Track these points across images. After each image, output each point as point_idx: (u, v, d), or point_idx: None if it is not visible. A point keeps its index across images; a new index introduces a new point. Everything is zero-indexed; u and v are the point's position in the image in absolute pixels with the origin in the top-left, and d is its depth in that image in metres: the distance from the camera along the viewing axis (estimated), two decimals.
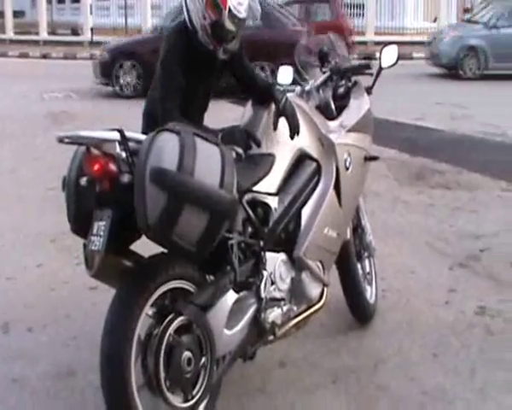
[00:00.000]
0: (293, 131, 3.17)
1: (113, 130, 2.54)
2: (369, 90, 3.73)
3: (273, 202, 3.06)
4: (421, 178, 7.18)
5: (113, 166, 2.49)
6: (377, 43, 15.47)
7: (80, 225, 2.70)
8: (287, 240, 3.16)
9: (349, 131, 3.46)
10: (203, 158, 2.47)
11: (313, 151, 3.26)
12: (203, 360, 2.67)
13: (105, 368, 2.45)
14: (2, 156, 8.26)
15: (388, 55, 3.63)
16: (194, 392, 2.65)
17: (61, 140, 2.48)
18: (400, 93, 12.89)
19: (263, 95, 3.34)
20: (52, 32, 28.41)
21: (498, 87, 14.54)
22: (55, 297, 4.30)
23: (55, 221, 4.99)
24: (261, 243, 2.99)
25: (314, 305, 3.31)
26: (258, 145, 3.10)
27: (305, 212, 3.20)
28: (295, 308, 3.20)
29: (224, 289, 2.75)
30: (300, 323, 3.26)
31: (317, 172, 3.28)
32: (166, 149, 2.43)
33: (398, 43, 4.10)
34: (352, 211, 3.66)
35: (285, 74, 3.81)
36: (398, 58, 3.66)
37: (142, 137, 2.58)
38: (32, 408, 3.17)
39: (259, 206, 3.02)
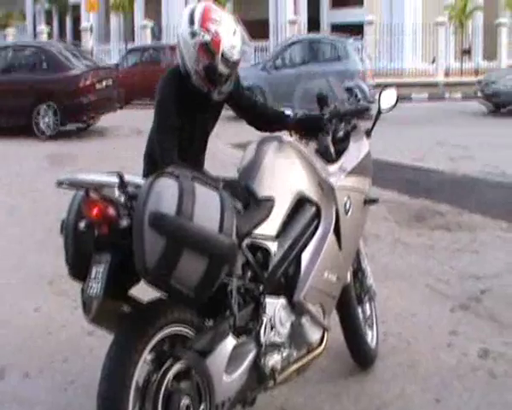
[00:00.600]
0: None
1: (113, 173, 2.54)
2: (368, 133, 3.74)
3: (273, 246, 3.04)
4: (421, 219, 7.18)
5: (111, 211, 2.49)
6: (376, 86, 15.61)
7: (78, 269, 2.69)
8: (287, 284, 3.13)
9: (349, 174, 3.46)
10: (202, 202, 2.46)
11: (313, 195, 3.25)
12: (202, 406, 2.63)
13: None
14: None
15: (387, 98, 3.64)
16: None
17: (60, 183, 2.48)
18: (399, 134, 12.95)
19: (275, 120, 3.37)
20: None
21: None
22: (53, 341, 4.26)
23: (53, 264, 4.97)
24: (261, 288, 2.96)
25: (314, 350, 3.27)
26: (258, 204, 3.07)
27: (305, 256, 3.17)
28: (295, 353, 3.16)
29: (223, 335, 2.72)
30: (301, 368, 3.21)
31: (317, 215, 3.27)
32: (165, 193, 2.42)
33: (397, 85, 4.11)
34: (353, 254, 3.64)
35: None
36: (397, 100, 3.67)
37: (141, 181, 2.58)
38: None
39: (259, 250, 2.99)
